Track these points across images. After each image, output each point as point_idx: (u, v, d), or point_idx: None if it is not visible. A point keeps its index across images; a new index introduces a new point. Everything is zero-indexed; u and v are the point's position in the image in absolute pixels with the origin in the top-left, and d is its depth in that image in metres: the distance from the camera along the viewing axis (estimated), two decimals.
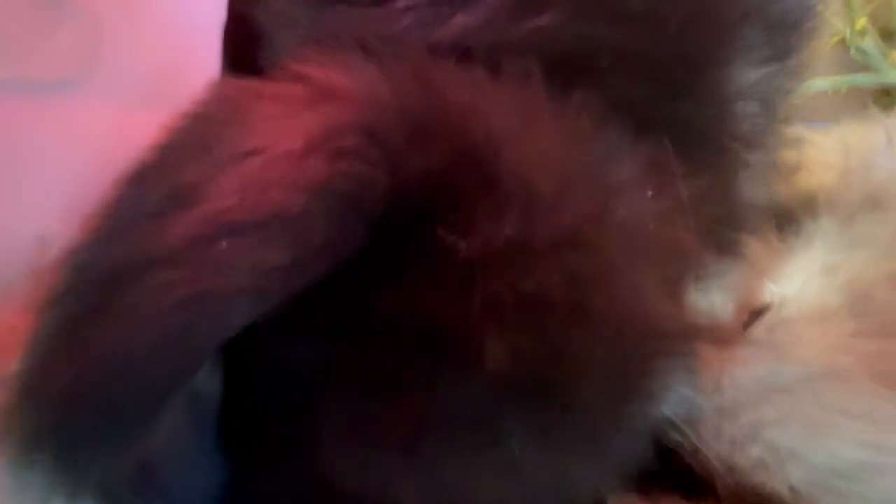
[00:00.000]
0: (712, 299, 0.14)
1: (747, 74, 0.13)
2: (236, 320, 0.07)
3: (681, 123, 0.12)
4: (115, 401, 0.07)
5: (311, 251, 0.07)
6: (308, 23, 0.11)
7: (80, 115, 0.07)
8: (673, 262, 0.11)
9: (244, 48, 0.10)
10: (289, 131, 0.08)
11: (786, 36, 0.13)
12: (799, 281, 0.13)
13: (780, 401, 0.12)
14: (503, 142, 0.09)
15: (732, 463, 0.12)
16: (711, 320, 0.14)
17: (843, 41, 0.33)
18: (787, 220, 0.16)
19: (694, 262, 0.11)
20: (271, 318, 0.08)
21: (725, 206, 0.13)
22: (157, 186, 0.07)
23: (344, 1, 0.11)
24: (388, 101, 0.09)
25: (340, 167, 0.08)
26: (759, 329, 0.13)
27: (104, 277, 0.07)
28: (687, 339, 0.11)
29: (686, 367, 0.12)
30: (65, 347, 0.07)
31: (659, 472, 0.12)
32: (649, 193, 0.10)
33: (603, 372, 0.09)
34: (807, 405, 0.11)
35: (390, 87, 0.09)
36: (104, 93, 0.07)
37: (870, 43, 0.32)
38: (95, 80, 0.07)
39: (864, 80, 0.33)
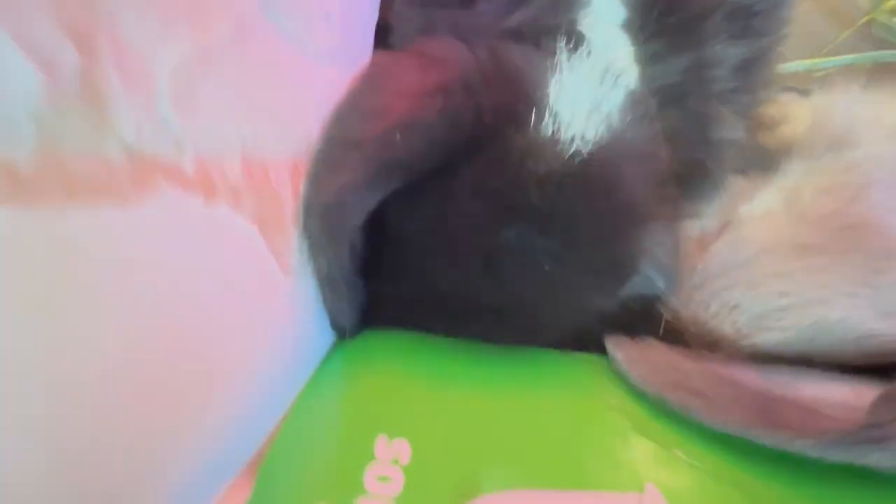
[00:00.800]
0: (702, 221, 0.20)
1: (721, 50, 0.18)
2: (401, 177, 0.14)
3: (668, 84, 0.17)
4: (338, 207, 0.13)
5: (437, 143, 0.14)
6: (419, 19, 0.17)
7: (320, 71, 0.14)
8: (656, 172, 0.16)
9: (384, 35, 0.17)
10: (419, 81, 0.14)
11: (756, 20, 0.18)
12: (760, 197, 0.18)
13: (733, 273, 0.17)
14: (538, 87, 0.15)
15: (698, 317, 0.17)
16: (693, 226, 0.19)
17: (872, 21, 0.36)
18: (770, 162, 0.21)
19: (667, 173, 0.16)
20: (410, 186, 0.14)
21: (701, 141, 0.18)
22: (359, 106, 0.14)
23: (441, 5, 0.17)
24: (473, 66, 0.15)
25: (449, 101, 0.14)
26: (724, 229, 0.18)
27: (338, 147, 0.14)
28: (662, 222, 0.17)
29: (667, 251, 0.18)
30: (316, 185, 0.14)
31: (645, 327, 0.18)
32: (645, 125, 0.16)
33: (599, 228, 0.15)
34: (749, 273, 0.16)
35: (474, 59, 0.15)
36: (331, 59, 0.14)
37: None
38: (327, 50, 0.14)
39: (887, 55, 0.36)
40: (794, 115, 0.21)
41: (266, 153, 0.12)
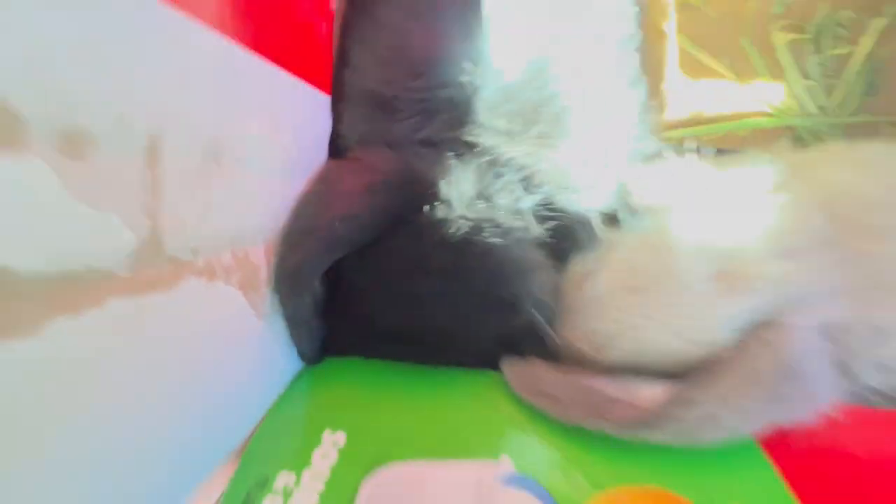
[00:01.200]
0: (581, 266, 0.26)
1: None
2: (343, 251, 0.20)
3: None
4: (297, 273, 0.20)
5: (367, 228, 0.20)
6: (359, 131, 0.24)
7: (280, 182, 0.20)
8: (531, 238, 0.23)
9: (335, 139, 0.24)
10: (354, 183, 0.21)
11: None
12: (614, 248, 0.25)
13: (592, 306, 0.23)
14: (438, 182, 0.22)
15: (569, 340, 0.24)
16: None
17: None
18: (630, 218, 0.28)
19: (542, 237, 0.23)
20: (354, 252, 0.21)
21: (570, 215, 0.25)
22: (313, 199, 0.21)
23: (373, 121, 0.24)
24: (393, 170, 0.22)
25: (375, 198, 0.21)
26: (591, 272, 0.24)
27: (296, 233, 0.20)
28: (541, 271, 0.23)
29: (545, 292, 0.24)
30: (282, 260, 0.20)
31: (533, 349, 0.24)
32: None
33: (487, 278, 0.21)
34: (600, 306, 0.23)
35: (394, 164, 0.22)
36: (288, 173, 0.21)
37: None
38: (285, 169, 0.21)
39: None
40: (644, 180, 0.28)
41: (247, 242, 0.18)
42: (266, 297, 0.20)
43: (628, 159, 0.28)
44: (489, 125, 0.23)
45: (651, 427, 0.18)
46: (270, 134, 0.20)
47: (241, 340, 0.19)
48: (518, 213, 0.23)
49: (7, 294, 0.09)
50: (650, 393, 0.20)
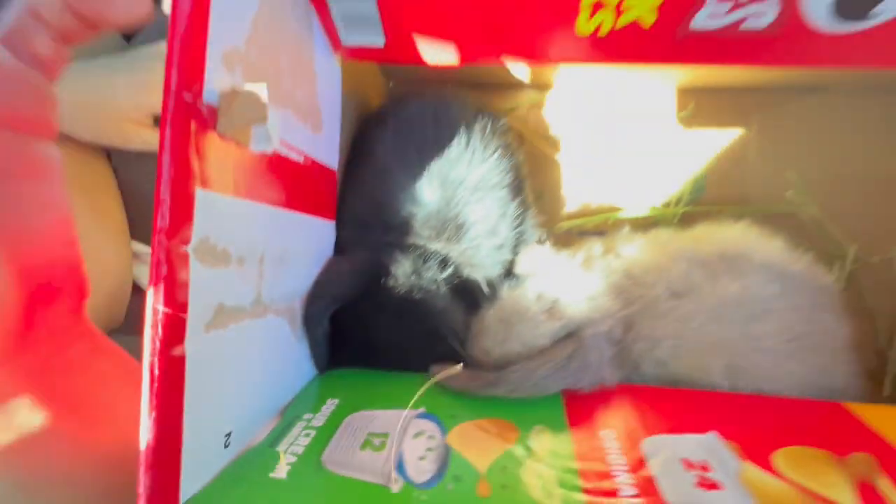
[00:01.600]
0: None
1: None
2: (339, 303, 0.38)
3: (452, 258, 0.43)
4: (313, 317, 0.38)
5: (347, 296, 0.38)
6: (351, 238, 0.43)
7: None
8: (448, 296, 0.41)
9: (337, 246, 0.43)
10: (346, 267, 0.40)
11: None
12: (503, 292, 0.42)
13: (485, 330, 0.40)
14: (390, 270, 0.40)
15: (473, 352, 0.40)
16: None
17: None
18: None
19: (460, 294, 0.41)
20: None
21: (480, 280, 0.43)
22: (323, 277, 0.39)
23: (360, 233, 0.43)
24: (368, 260, 0.40)
25: (355, 278, 0.39)
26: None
27: (309, 297, 0.38)
28: (457, 314, 0.41)
29: (460, 325, 0.41)
30: (307, 306, 0.38)
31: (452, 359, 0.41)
32: None
33: (419, 320, 0.39)
34: (486, 329, 0.40)
35: (369, 257, 0.40)
36: (309, 262, 0.40)
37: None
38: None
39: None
40: (522, 258, 0.46)
41: (293, 299, 0.36)
42: (300, 328, 0.37)
43: (514, 245, 0.46)
44: (422, 233, 0.42)
45: (495, 385, 0.34)
46: (307, 246, 0.38)
47: (289, 350, 0.36)
48: (439, 281, 0.41)
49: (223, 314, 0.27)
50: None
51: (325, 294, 0.39)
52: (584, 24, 0.35)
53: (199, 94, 0.25)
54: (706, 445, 0.31)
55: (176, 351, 0.24)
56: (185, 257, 0.24)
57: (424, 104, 0.45)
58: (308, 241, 0.38)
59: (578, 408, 0.35)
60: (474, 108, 0.48)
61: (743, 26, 0.34)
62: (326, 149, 0.41)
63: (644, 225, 0.60)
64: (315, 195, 0.39)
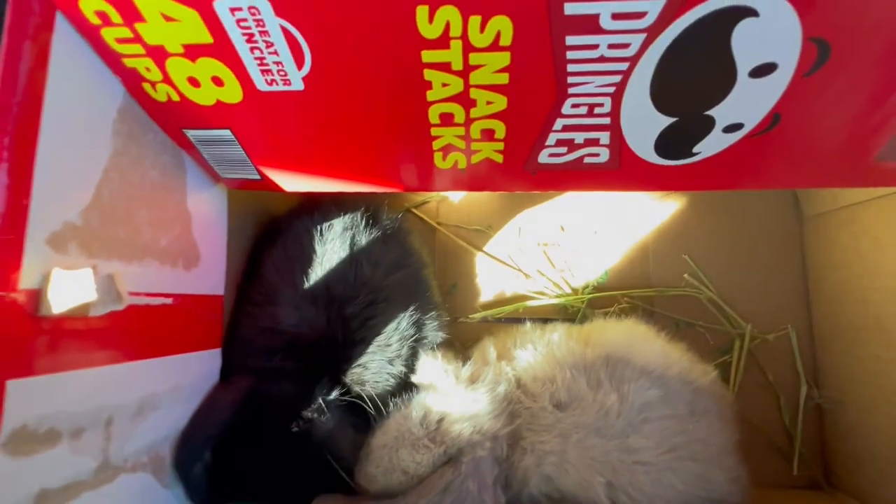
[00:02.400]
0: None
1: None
2: (215, 439, 0.37)
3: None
4: (184, 460, 0.36)
5: (225, 431, 0.37)
6: (239, 367, 0.43)
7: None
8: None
9: (226, 369, 0.42)
10: (225, 399, 0.39)
11: None
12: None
13: (374, 452, 0.39)
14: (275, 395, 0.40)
15: (360, 479, 0.39)
16: None
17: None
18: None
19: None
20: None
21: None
22: (199, 412, 0.38)
23: (247, 360, 0.43)
24: (248, 390, 0.40)
25: (236, 410, 0.38)
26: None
27: (187, 433, 0.37)
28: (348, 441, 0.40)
29: (347, 450, 0.41)
30: (178, 449, 0.36)
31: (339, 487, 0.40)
32: None
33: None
34: (374, 458, 0.39)
35: (250, 387, 0.40)
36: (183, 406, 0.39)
37: None
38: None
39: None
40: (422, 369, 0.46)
41: (158, 446, 0.35)
42: (170, 473, 0.36)
43: (409, 356, 0.46)
44: (308, 355, 0.42)
45: None
46: (180, 386, 0.38)
47: (154, 502, 0.35)
48: (326, 404, 0.41)
49: None
50: None
51: (203, 431, 0.38)
52: (441, 162, 0.37)
53: (13, 284, 0.25)
54: None
55: None
56: None
57: (311, 220, 0.46)
58: (181, 380, 0.38)
59: None
60: (368, 216, 0.49)
61: (586, 161, 0.36)
62: (207, 279, 0.41)
63: (553, 311, 0.62)
64: (191, 330, 0.39)
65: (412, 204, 0.65)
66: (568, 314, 0.61)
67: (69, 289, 0.27)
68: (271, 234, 0.47)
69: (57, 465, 0.27)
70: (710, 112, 0.31)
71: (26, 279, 0.25)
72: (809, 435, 0.57)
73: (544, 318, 0.58)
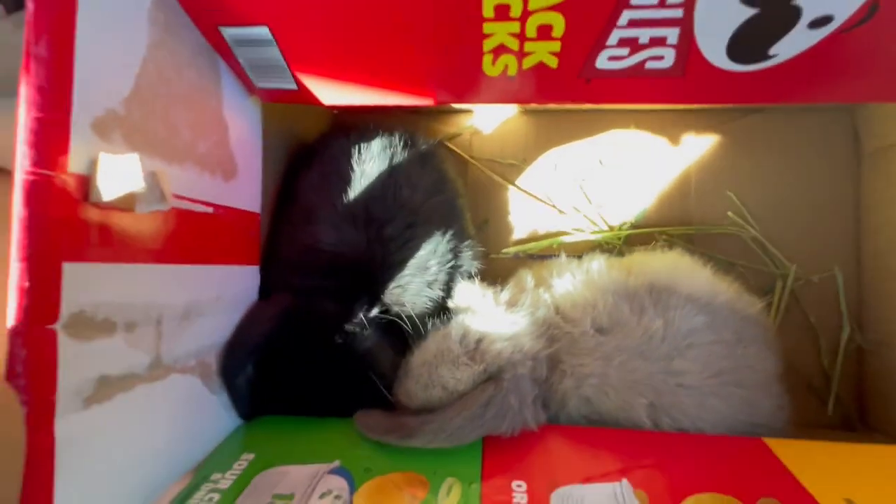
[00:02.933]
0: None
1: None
2: (259, 353, 0.38)
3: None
4: (230, 369, 0.37)
5: (268, 344, 0.38)
6: (278, 283, 0.42)
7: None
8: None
9: (264, 287, 0.42)
10: (266, 314, 0.39)
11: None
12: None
13: (411, 372, 0.39)
14: (319, 311, 0.40)
15: (398, 394, 0.40)
16: None
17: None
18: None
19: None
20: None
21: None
22: (242, 324, 0.38)
23: (286, 276, 0.42)
24: (291, 306, 0.40)
25: (277, 322, 0.38)
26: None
27: (228, 346, 0.38)
28: (388, 357, 0.40)
29: (390, 367, 0.41)
30: (223, 357, 0.37)
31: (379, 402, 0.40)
32: None
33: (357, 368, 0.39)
34: (412, 373, 0.39)
35: (292, 302, 0.40)
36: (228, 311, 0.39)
37: None
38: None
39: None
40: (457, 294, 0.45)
41: (204, 354, 0.35)
42: (216, 381, 0.37)
43: (447, 281, 0.46)
44: (348, 274, 0.42)
45: (410, 437, 0.34)
46: (222, 297, 0.38)
47: (203, 406, 0.36)
48: (366, 322, 0.41)
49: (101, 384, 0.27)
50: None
51: (245, 343, 0.38)
52: (490, 67, 0.35)
53: (63, 167, 0.24)
54: (615, 496, 0.30)
55: (43, 436, 0.23)
56: (52, 336, 0.24)
57: (348, 140, 0.44)
58: (223, 291, 0.38)
59: (497, 456, 0.35)
60: (406, 139, 0.47)
61: (647, 66, 0.34)
62: (244, 194, 0.40)
63: (588, 248, 0.60)
64: (231, 243, 0.39)
65: (444, 136, 0.63)
66: (604, 252, 0.59)
67: (117, 176, 0.26)
68: (307, 155, 0.46)
69: (114, 354, 0.27)
70: (798, 1, 0.28)
71: (75, 163, 0.25)
72: (847, 377, 0.56)
73: (579, 255, 0.56)
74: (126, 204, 0.27)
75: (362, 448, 0.35)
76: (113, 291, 0.27)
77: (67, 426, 0.24)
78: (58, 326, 0.24)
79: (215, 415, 0.37)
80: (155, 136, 0.30)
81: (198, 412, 0.35)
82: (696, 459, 0.34)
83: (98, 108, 0.26)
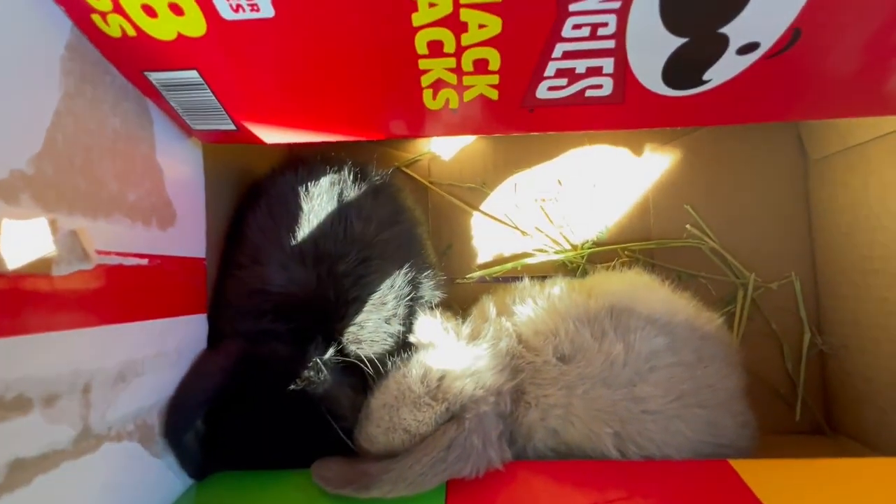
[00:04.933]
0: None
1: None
2: (206, 406, 0.35)
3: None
4: (175, 428, 0.35)
5: (217, 397, 0.36)
6: (227, 330, 0.40)
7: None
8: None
9: (212, 333, 0.40)
10: (214, 365, 0.37)
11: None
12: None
13: (373, 414, 0.38)
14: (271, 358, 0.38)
15: (359, 439, 0.38)
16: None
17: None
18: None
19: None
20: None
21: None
22: (187, 378, 0.36)
23: (238, 323, 0.40)
24: (241, 353, 0.38)
25: (227, 377, 0.36)
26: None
27: (176, 400, 0.35)
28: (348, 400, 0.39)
29: (348, 411, 0.39)
30: (168, 416, 0.35)
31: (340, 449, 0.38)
32: None
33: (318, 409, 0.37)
34: (374, 419, 0.38)
35: (243, 350, 0.38)
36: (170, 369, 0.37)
37: None
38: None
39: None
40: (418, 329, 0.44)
41: (144, 414, 0.33)
42: (160, 442, 0.34)
43: (406, 315, 0.45)
44: (300, 316, 0.40)
45: (369, 489, 0.32)
46: (164, 352, 0.36)
47: (143, 472, 0.33)
48: (321, 365, 0.39)
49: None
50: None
51: (192, 397, 0.36)
52: (431, 101, 0.34)
53: None
54: None
55: None
56: None
57: (295, 177, 0.43)
58: (164, 346, 0.35)
59: (461, 499, 0.33)
60: (356, 172, 0.46)
61: (587, 94, 0.34)
62: (186, 240, 0.39)
63: (552, 268, 0.60)
64: (172, 294, 0.37)
65: (402, 162, 0.62)
66: (567, 271, 0.59)
67: (24, 242, 0.24)
68: (253, 194, 0.44)
69: (30, 433, 0.25)
70: (724, 29, 0.29)
71: None
72: (812, 381, 0.56)
73: (543, 275, 0.56)
74: (40, 269, 0.25)
75: (321, 502, 0.34)
76: (28, 365, 0.25)
77: None
78: None
79: (160, 480, 0.35)
80: (74, 191, 0.28)
81: (138, 480, 0.33)
82: (663, 489, 0.33)
83: (1, 171, 0.24)
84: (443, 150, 0.62)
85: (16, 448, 0.24)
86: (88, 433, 0.29)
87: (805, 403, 0.55)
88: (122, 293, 0.32)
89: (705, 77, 0.32)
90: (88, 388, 0.29)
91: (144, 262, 0.34)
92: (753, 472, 0.34)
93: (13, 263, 0.24)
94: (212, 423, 0.38)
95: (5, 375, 0.24)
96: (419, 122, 0.36)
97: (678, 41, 0.29)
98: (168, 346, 0.36)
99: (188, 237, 0.39)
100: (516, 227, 0.61)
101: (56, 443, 0.27)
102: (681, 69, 0.31)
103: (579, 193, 0.61)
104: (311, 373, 0.38)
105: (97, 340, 0.30)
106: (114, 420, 0.31)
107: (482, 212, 0.61)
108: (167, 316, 0.36)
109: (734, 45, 0.29)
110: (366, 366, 0.41)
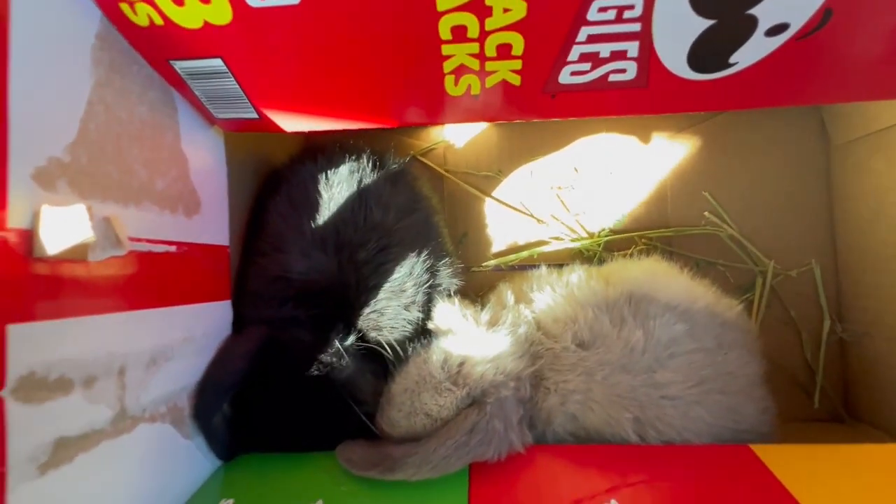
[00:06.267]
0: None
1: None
2: (234, 389, 0.36)
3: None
4: (203, 410, 0.36)
5: (242, 381, 0.36)
6: (251, 316, 0.41)
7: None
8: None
9: (236, 319, 0.41)
10: (240, 349, 0.38)
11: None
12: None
13: (394, 399, 0.39)
14: (292, 344, 0.38)
15: (380, 422, 0.39)
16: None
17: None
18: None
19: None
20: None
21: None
22: (214, 362, 0.37)
23: (261, 309, 0.41)
24: (264, 339, 0.38)
25: (249, 361, 0.37)
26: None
27: (203, 383, 0.36)
28: (365, 380, 0.39)
29: (369, 395, 0.40)
30: (196, 399, 0.36)
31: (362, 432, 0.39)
32: None
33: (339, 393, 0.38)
34: (394, 400, 0.38)
35: (265, 335, 0.38)
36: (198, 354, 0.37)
37: None
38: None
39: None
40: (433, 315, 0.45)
41: (176, 398, 0.34)
42: (190, 424, 0.35)
43: (425, 302, 0.45)
44: (321, 302, 0.41)
45: (393, 471, 0.33)
46: (191, 337, 0.37)
47: (176, 453, 0.34)
48: (342, 351, 0.40)
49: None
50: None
51: (219, 382, 0.37)
52: (453, 88, 0.34)
53: (2, 223, 0.23)
54: None
55: None
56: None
57: (315, 165, 0.43)
58: (192, 331, 0.36)
59: (484, 483, 0.34)
60: (375, 160, 0.46)
61: (611, 78, 0.33)
62: (210, 228, 0.39)
63: (568, 256, 0.60)
64: (198, 281, 0.38)
65: (417, 151, 0.62)
66: (584, 259, 0.59)
67: (63, 228, 0.25)
68: (274, 183, 0.45)
69: (72, 413, 0.26)
70: (753, 10, 0.28)
71: (15, 217, 0.23)
72: (831, 369, 0.56)
73: (559, 263, 0.56)
74: (77, 254, 0.26)
75: (346, 484, 0.34)
76: (67, 348, 0.26)
77: (22, 498, 0.23)
78: (4, 393, 0.23)
79: (190, 461, 0.36)
80: (107, 178, 0.29)
81: (171, 461, 0.34)
82: (684, 473, 0.34)
83: (39, 158, 0.25)
84: (457, 138, 0.62)
85: (60, 427, 0.25)
86: (125, 414, 0.30)
87: (824, 391, 0.55)
88: (152, 279, 0.33)
89: (731, 60, 0.31)
90: (123, 370, 0.30)
91: (172, 248, 0.35)
92: (775, 457, 0.34)
93: (53, 249, 0.24)
94: (238, 406, 0.39)
95: (48, 357, 0.25)
96: (438, 109, 0.36)
97: (706, 23, 0.29)
98: (195, 331, 0.37)
99: (212, 225, 0.40)
100: (532, 215, 0.61)
101: (95, 422, 0.27)
102: (707, 52, 0.31)
103: (596, 181, 0.60)
104: (333, 359, 0.39)
105: (130, 325, 0.30)
106: (147, 402, 0.32)
107: (497, 200, 0.61)
108: (194, 302, 0.37)
109: (763, 26, 0.29)
110: (386, 351, 0.42)
